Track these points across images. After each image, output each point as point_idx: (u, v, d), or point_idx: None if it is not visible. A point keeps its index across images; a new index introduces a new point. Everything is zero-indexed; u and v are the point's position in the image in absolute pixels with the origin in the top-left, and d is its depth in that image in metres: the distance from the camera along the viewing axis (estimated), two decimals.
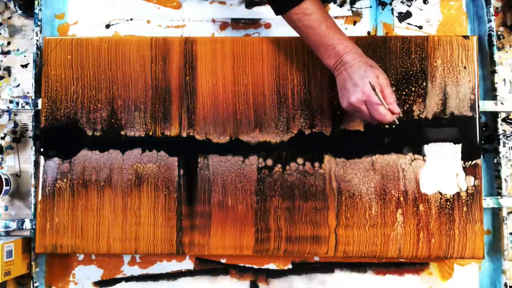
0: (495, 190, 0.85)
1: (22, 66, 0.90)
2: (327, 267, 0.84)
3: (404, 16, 0.89)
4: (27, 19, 0.91)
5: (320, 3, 0.68)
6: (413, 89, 0.81)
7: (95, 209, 0.81)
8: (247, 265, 0.85)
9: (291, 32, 0.88)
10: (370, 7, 0.89)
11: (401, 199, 0.80)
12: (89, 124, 0.82)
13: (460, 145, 0.80)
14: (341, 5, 0.90)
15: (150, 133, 0.82)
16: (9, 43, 0.91)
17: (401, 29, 0.89)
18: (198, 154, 0.81)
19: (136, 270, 0.85)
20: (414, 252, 0.79)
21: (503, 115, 0.87)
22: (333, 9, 0.89)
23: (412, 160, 0.80)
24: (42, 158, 0.82)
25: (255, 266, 0.85)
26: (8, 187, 0.83)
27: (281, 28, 0.89)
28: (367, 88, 0.64)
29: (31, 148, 0.85)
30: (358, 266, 0.84)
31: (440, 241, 0.79)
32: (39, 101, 0.84)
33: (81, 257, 0.86)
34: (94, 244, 0.81)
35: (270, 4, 0.71)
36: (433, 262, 0.84)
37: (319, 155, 0.81)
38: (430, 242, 0.79)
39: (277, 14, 0.70)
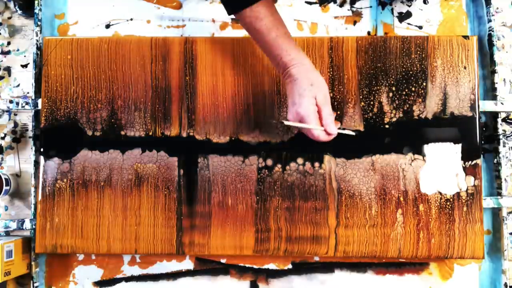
0: (495, 190, 0.85)
1: (22, 66, 0.90)
2: (327, 267, 0.84)
3: (404, 16, 0.89)
4: (27, 19, 0.91)
5: (275, 9, 0.66)
6: (413, 89, 0.81)
7: (95, 209, 0.81)
8: (247, 265, 0.85)
9: (291, 32, 0.88)
10: (370, 7, 0.90)
11: (401, 199, 0.80)
12: (89, 124, 0.82)
13: (460, 145, 0.80)
14: (341, 5, 0.90)
15: (150, 133, 0.82)
16: (9, 43, 0.91)
17: (401, 29, 0.89)
18: (198, 154, 0.81)
19: (136, 270, 0.85)
20: (414, 252, 0.79)
21: (503, 115, 0.87)
22: (333, 9, 0.89)
23: (412, 160, 0.80)
24: (42, 158, 0.82)
25: (255, 266, 0.85)
26: (8, 187, 0.83)
27: None
28: (303, 109, 0.63)
29: (31, 148, 0.85)
30: (358, 266, 0.84)
31: (440, 241, 0.79)
32: (39, 101, 0.84)
33: (81, 257, 0.86)
34: (94, 244, 0.81)
35: (222, 3, 0.67)
36: (433, 262, 0.84)
37: (319, 155, 0.81)
38: (430, 242, 0.79)
39: (229, 14, 0.67)
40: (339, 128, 0.68)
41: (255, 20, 0.65)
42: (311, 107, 0.63)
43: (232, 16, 0.89)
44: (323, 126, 0.64)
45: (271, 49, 0.66)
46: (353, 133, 0.69)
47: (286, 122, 0.66)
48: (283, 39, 0.65)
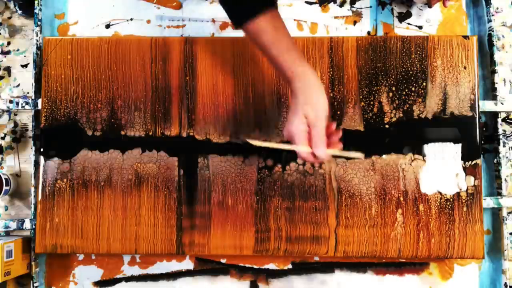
0: (495, 190, 0.85)
1: (22, 66, 0.90)
2: (327, 267, 0.84)
3: (404, 16, 0.89)
4: (27, 19, 0.91)
5: (280, 20, 0.64)
6: (413, 89, 0.81)
7: (95, 209, 0.81)
8: (247, 265, 0.85)
9: (291, 32, 0.88)
10: (370, 7, 0.90)
11: (401, 199, 0.80)
12: (89, 124, 0.82)
13: (460, 145, 0.80)
14: (341, 5, 0.90)
15: (150, 133, 0.82)
16: (9, 43, 0.91)
17: (401, 29, 0.89)
18: (198, 154, 0.81)
19: (136, 270, 0.85)
20: (414, 252, 0.79)
21: (503, 115, 0.87)
22: (333, 9, 0.89)
23: (412, 160, 0.80)
24: (42, 158, 0.82)
25: (255, 266, 0.85)
26: (8, 187, 0.83)
27: None
28: (292, 128, 0.61)
29: (31, 148, 0.85)
30: (358, 266, 0.84)
31: (440, 241, 0.79)
32: (39, 101, 0.84)
33: (81, 257, 0.86)
34: (94, 244, 0.81)
35: (229, 17, 0.65)
36: (433, 262, 0.84)
37: None
38: (430, 242, 0.79)
39: (235, 27, 0.65)
40: (343, 150, 0.65)
41: (257, 34, 0.63)
42: (300, 126, 0.61)
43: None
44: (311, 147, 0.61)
45: (276, 64, 0.64)
46: (360, 156, 0.66)
47: (251, 141, 0.64)
48: (287, 54, 0.63)
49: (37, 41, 0.85)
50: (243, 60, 0.82)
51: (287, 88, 0.82)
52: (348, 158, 0.73)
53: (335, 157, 0.65)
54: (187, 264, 0.85)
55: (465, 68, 0.81)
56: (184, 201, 0.81)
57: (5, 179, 0.82)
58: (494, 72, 0.84)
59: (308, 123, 0.61)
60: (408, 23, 0.89)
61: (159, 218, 0.81)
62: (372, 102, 0.81)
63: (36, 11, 0.86)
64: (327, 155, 0.62)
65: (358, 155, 0.66)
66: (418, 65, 0.81)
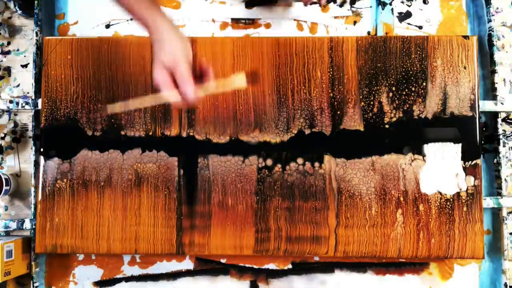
0: (495, 190, 0.85)
1: (22, 66, 0.90)
2: (327, 267, 0.84)
3: (404, 16, 0.89)
4: (27, 19, 0.91)
5: None
6: (413, 89, 0.81)
7: (95, 209, 0.81)
8: (247, 265, 0.85)
9: (291, 32, 0.89)
10: (370, 7, 0.89)
11: (401, 199, 0.80)
12: (89, 124, 0.82)
13: (460, 145, 0.80)
14: (341, 5, 0.90)
15: (150, 133, 0.82)
16: (9, 43, 0.91)
17: (401, 29, 0.89)
18: (198, 154, 0.81)
19: (136, 270, 0.85)
20: (414, 252, 0.79)
21: (503, 115, 0.87)
22: (333, 9, 0.89)
23: (412, 160, 0.80)
24: (42, 158, 0.82)
25: (255, 266, 0.85)
26: (8, 187, 0.83)
27: (281, 28, 0.89)
28: (155, 80, 0.59)
29: (31, 148, 0.85)
30: (358, 266, 0.84)
31: (440, 241, 0.79)
32: (39, 101, 0.84)
33: (81, 257, 0.86)
34: (94, 244, 0.81)
35: None
36: (433, 262, 0.84)
37: (319, 155, 0.81)
38: (430, 242, 0.79)
39: None
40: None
41: None
42: (160, 73, 0.59)
43: (233, 16, 0.89)
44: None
45: (138, 20, 0.63)
46: (241, 82, 0.61)
47: (111, 109, 0.64)
48: (143, 11, 0.62)
49: (37, 41, 0.85)
50: (243, 60, 0.82)
51: (287, 88, 0.82)
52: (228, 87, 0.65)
53: (213, 90, 0.63)
54: (187, 264, 0.85)
55: (465, 68, 0.81)
56: (184, 201, 0.81)
57: (5, 179, 0.82)
58: (494, 72, 0.84)
59: (169, 68, 0.60)
60: (408, 23, 0.89)
61: (159, 218, 0.81)
62: (372, 102, 0.81)
63: (36, 11, 0.86)
64: (196, 92, 0.60)
65: (239, 81, 0.62)
66: (418, 65, 0.81)
